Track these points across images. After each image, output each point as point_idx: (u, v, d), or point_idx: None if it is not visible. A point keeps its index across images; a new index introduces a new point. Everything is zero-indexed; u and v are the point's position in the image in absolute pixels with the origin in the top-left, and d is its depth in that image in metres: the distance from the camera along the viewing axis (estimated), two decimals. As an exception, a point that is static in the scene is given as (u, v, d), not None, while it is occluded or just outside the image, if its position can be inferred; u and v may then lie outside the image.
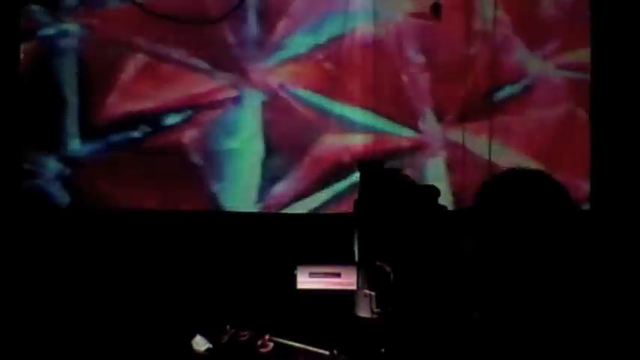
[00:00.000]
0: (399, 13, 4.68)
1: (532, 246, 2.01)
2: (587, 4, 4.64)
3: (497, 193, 2.10)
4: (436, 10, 4.63)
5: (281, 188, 4.71)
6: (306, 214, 4.67)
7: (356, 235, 2.39)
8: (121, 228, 4.58)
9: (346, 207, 4.43)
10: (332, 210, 4.66)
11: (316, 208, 4.68)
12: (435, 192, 2.39)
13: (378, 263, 2.35)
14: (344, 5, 4.67)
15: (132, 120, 4.72)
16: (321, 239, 3.22)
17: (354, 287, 2.41)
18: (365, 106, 4.69)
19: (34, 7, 4.70)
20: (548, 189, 2.08)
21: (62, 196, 4.71)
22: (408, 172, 4.37)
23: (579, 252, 2.06)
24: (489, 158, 4.62)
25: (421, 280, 2.33)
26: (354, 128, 4.70)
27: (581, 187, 4.60)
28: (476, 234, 2.08)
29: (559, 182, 2.10)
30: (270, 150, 4.72)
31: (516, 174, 2.16)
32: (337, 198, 4.66)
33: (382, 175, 2.44)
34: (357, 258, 2.40)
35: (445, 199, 2.40)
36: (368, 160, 2.51)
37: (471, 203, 2.13)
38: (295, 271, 2.45)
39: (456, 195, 4.60)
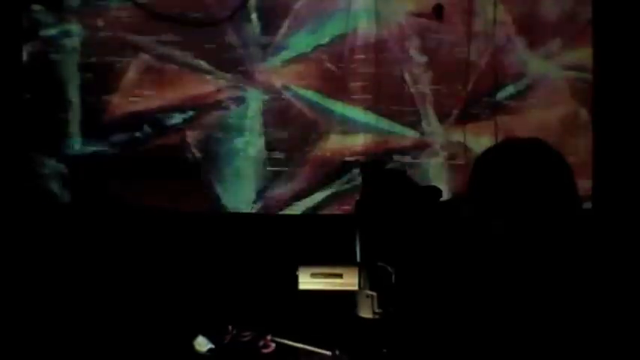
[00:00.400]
0: (400, 13, 4.69)
1: (528, 203, 2.02)
2: (588, 3, 4.64)
3: (496, 156, 2.11)
4: (438, 11, 4.64)
5: (282, 188, 4.71)
6: (308, 214, 4.67)
7: (358, 236, 2.40)
8: (123, 228, 4.58)
9: (348, 207, 4.44)
10: (333, 210, 4.67)
11: (317, 208, 4.69)
12: (436, 192, 2.40)
13: (379, 264, 2.36)
14: (346, 5, 4.68)
15: (134, 120, 4.72)
16: (322, 240, 3.23)
17: (356, 288, 2.41)
18: (366, 106, 4.69)
19: (36, 7, 4.70)
20: (546, 153, 2.09)
21: (64, 196, 4.72)
22: (409, 172, 4.40)
23: (581, 250, 2.06)
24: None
25: (422, 280, 2.33)
26: (356, 128, 4.71)
27: (584, 186, 4.60)
28: (474, 203, 2.09)
29: (556, 150, 2.11)
30: (271, 150, 4.72)
31: (514, 141, 2.17)
32: (338, 198, 4.67)
33: (384, 176, 2.44)
34: (358, 259, 2.40)
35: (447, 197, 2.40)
36: (370, 161, 2.51)
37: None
38: (297, 272, 2.44)
39: (457, 195, 4.60)
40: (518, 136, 2.20)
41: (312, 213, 4.68)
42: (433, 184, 4.55)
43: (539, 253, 2.03)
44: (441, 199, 2.45)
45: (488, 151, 2.17)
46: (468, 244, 2.13)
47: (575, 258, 2.06)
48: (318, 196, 4.69)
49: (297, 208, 4.69)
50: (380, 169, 2.45)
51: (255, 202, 4.71)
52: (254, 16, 4.71)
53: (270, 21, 4.71)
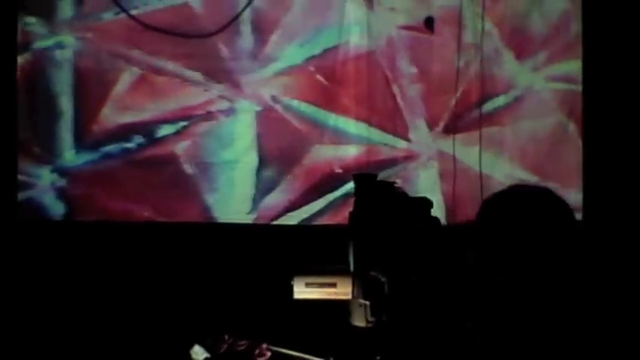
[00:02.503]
0: (391, 26, 4.72)
1: (532, 263, 2.04)
2: (576, 15, 4.68)
3: (502, 208, 2.12)
4: (429, 23, 4.67)
5: (274, 199, 4.72)
6: (303, 225, 4.69)
7: (351, 246, 2.42)
8: (116, 239, 4.59)
9: (340, 218, 4.46)
10: (325, 220, 4.69)
11: (309, 219, 4.71)
12: (427, 204, 2.43)
13: (372, 273, 2.38)
14: (338, 18, 4.70)
15: (126, 131, 4.73)
16: (317, 250, 3.25)
17: (350, 297, 2.43)
18: (358, 118, 4.71)
19: (30, 20, 4.71)
20: (553, 207, 2.10)
21: (56, 207, 4.72)
22: (400, 183, 4.42)
23: (572, 263, 2.08)
24: (480, 169, 4.65)
25: (415, 289, 2.36)
26: (347, 139, 4.73)
27: (573, 197, 4.63)
28: (478, 247, 2.10)
29: (564, 201, 2.12)
30: (263, 161, 4.73)
31: (522, 190, 2.18)
32: (330, 209, 4.69)
33: (376, 188, 2.47)
34: (352, 268, 2.43)
35: (437, 210, 2.44)
36: (362, 173, 2.53)
37: (474, 216, 2.15)
38: (292, 282, 2.47)
39: (448, 205, 4.63)
40: (527, 185, 2.20)
41: (305, 224, 4.69)
42: (423, 194, 4.60)
43: (537, 268, 2.05)
44: (432, 209, 2.48)
45: (497, 198, 2.17)
46: (470, 254, 2.15)
47: (569, 269, 2.09)
48: (311, 208, 4.71)
49: (290, 219, 4.71)
50: (372, 182, 2.48)
51: (247, 213, 4.72)
52: (245, 28, 4.73)
53: (261, 33, 4.73)
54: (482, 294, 2.08)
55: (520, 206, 2.09)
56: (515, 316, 2.04)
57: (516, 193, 2.16)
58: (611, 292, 2.22)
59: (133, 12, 4.68)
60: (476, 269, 2.10)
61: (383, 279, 2.35)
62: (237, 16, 4.69)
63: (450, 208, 4.59)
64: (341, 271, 2.44)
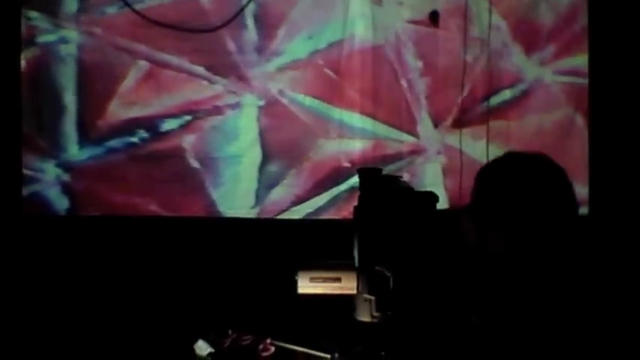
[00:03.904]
0: (397, 20, 4.71)
1: (531, 245, 2.03)
2: (583, 9, 4.66)
3: (497, 172, 2.12)
4: (434, 18, 4.66)
5: (280, 193, 4.72)
6: (307, 219, 4.68)
7: (356, 241, 2.41)
8: (120, 234, 4.58)
9: (345, 212, 4.45)
10: (330, 215, 4.68)
11: (314, 213, 4.70)
12: (433, 198, 2.41)
13: (377, 268, 2.37)
14: (343, 11, 4.69)
15: (131, 125, 4.73)
16: (321, 244, 3.24)
17: (355, 292, 2.42)
18: (363, 112, 4.71)
19: (34, 14, 4.71)
20: (548, 169, 2.10)
21: (61, 202, 4.72)
22: (406, 177, 4.41)
23: (578, 256, 2.07)
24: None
25: (420, 284, 2.35)
26: (353, 134, 4.72)
27: (580, 191, 4.61)
28: (477, 219, 2.10)
29: (559, 165, 2.12)
30: (268, 155, 4.73)
31: (517, 156, 2.18)
32: (335, 203, 4.68)
33: (381, 182, 2.45)
34: (357, 263, 2.41)
35: (443, 204, 2.42)
36: (367, 167, 2.52)
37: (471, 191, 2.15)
38: (296, 276, 2.45)
39: (454, 199, 4.61)
40: (522, 151, 2.19)
41: (310, 218, 4.69)
42: (429, 188, 4.59)
43: (538, 270, 2.04)
44: (437, 204, 2.46)
45: (492, 164, 2.17)
46: (467, 257, 2.14)
47: (574, 262, 2.07)
48: (316, 202, 4.70)
49: (295, 214, 4.70)
50: (377, 176, 2.46)
51: (252, 207, 4.72)
52: (250, 22, 4.72)
53: (267, 27, 4.72)
54: (484, 282, 2.07)
55: (516, 172, 2.08)
56: (517, 301, 2.03)
57: (511, 159, 2.16)
58: (618, 285, 2.20)
59: (138, 6, 4.67)
60: (475, 247, 2.09)
61: (388, 274, 2.34)
62: (241, 9, 4.68)
63: (456, 202, 4.58)
64: (346, 265, 2.42)
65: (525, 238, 2.04)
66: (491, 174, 2.14)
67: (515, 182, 2.07)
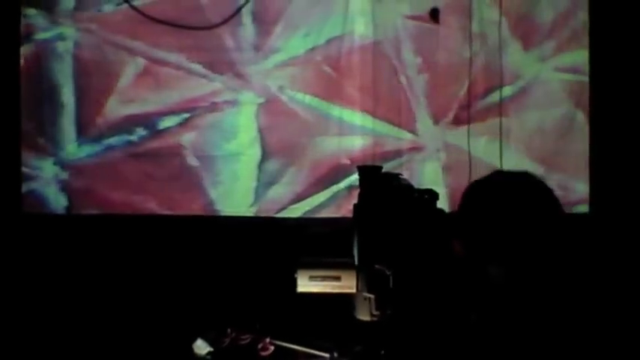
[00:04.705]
0: (396, 16, 4.69)
1: (524, 248, 2.02)
2: (583, 5, 4.65)
3: (485, 195, 2.10)
4: (434, 15, 4.64)
5: (279, 191, 4.71)
6: (307, 218, 4.67)
7: (355, 239, 2.40)
8: (119, 232, 4.57)
9: (345, 210, 4.44)
10: (330, 212, 4.66)
11: (313, 211, 4.69)
12: (433, 196, 2.40)
13: (377, 266, 2.36)
14: (342, 8, 4.68)
15: (129, 123, 4.72)
16: (321, 243, 3.23)
17: (354, 290, 2.41)
18: (363, 109, 4.69)
19: (31, 11, 4.69)
20: (535, 190, 2.08)
21: (59, 199, 4.70)
22: (405, 174, 4.39)
23: (578, 253, 2.06)
24: (500, 159, 4.63)
25: (419, 282, 2.34)
26: (353, 131, 4.70)
27: (580, 188, 4.61)
28: (463, 237, 2.09)
29: (544, 182, 2.10)
30: (267, 153, 4.71)
31: (503, 176, 2.17)
32: (335, 201, 4.67)
33: (381, 180, 2.44)
34: (356, 261, 2.40)
35: (442, 202, 2.41)
36: (367, 165, 2.51)
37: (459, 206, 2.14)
38: (295, 275, 2.44)
39: (454, 196, 4.59)
40: (508, 170, 2.18)
41: (309, 217, 4.68)
42: (429, 185, 4.58)
43: (532, 255, 2.03)
44: (437, 201, 2.45)
45: (479, 187, 2.15)
46: (465, 285, 2.13)
47: (573, 259, 2.06)
48: (316, 199, 4.69)
49: (295, 212, 4.69)
50: (377, 173, 2.45)
51: (251, 205, 4.70)
52: (248, 18, 4.70)
53: (265, 23, 4.71)
54: (479, 286, 2.06)
55: (501, 192, 2.07)
56: (512, 306, 2.02)
57: (496, 179, 2.14)
58: (618, 283, 2.19)
59: (136, 3, 4.66)
60: (466, 261, 2.08)
61: (388, 272, 2.33)
62: (240, 8, 4.66)
63: (456, 199, 4.56)
64: (345, 264, 2.41)
65: (526, 266, 2.02)
66: (478, 196, 2.12)
67: (502, 207, 2.05)
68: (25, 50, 4.69)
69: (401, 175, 2.52)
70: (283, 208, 4.69)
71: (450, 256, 2.20)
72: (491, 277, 2.05)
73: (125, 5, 4.66)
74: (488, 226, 2.04)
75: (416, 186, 2.48)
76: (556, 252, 2.03)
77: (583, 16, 4.65)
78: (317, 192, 4.70)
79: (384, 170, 2.52)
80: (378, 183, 2.43)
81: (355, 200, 2.44)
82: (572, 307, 2.02)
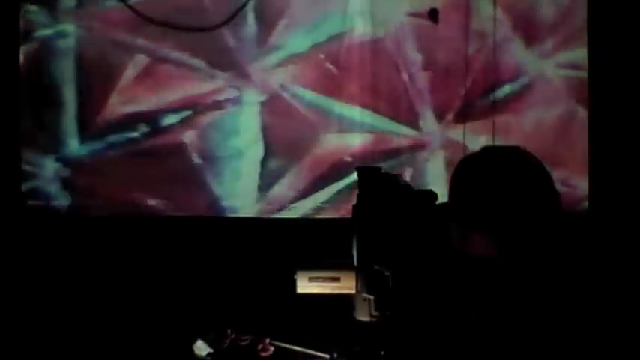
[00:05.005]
0: (397, 13, 4.69)
1: (516, 219, 2.02)
2: (583, 2, 4.64)
3: (476, 168, 2.10)
4: (433, 15, 4.64)
5: (281, 188, 4.71)
6: (306, 219, 4.67)
7: (355, 240, 2.40)
8: (120, 230, 4.57)
9: (346, 209, 4.43)
10: (332, 210, 4.66)
11: (316, 209, 4.69)
12: (432, 197, 2.40)
13: (376, 267, 2.36)
14: (342, 5, 4.67)
15: (130, 121, 4.71)
16: (320, 244, 3.24)
17: (354, 291, 2.41)
18: (364, 106, 4.69)
19: (32, 8, 4.69)
20: (526, 162, 2.08)
21: (61, 197, 4.71)
22: (407, 171, 4.40)
23: (577, 250, 2.06)
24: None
25: (418, 283, 2.34)
26: (354, 128, 4.70)
27: (581, 185, 4.60)
28: (456, 218, 2.09)
29: (534, 156, 2.10)
30: (269, 150, 4.71)
31: (493, 150, 2.17)
32: (337, 198, 4.67)
33: (380, 180, 2.44)
34: (356, 262, 2.41)
35: (444, 199, 2.41)
36: (366, 166, 2.51)
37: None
38: (295, 276, 2.45)
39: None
40: (498, 145, 2.19)
41: (311, 215, 4.68)
42: (431, 182, 4.58)
43: (527, 267, 2.03)
44: (437, 201, 2.45)
45: (467, 161, 2.15)
46: (457, 266, 2.13)
47: (573, 256, 2.06)
48: (316, 196, 4.69)
49: (297, 210, 4.69)
50: (376, 174, 2.45)
51: (255, 203, 4.70)
52: (250, 16, 4.70)
53: (266, 21, 4.70)
54: (477, 283, 2.06)
55: (493, 168, 2.07)
56: (513, 299, 2.02)
57: (487, 155, 2.15)
58: (617, 281, 2.19)
59: (137, 1, 4.65)
60: (457, 246, 2.09)
61: (387, 273, 2.33)
62: (242, 6, 4.66)
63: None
64: (345, 265, 2.41)
65: (511, 236, 2.02)
66: (468, 171, 2.13)
67: (492, 178, 2.06)
68: (26, 48, 4.68)
69: (400, 175, 2.52)
70: (286, 206, 4.69)
71: (448, 254, 2.20)
72: (476, 249, 2.05)
73: (125, 4, 4.65)
74: (479, 198, 2.04)
75: (418, 183, 2.49)
76: (547, 225, 2.03)
77: (583, 13, 4.64)
78: (320, 189, 4.70)
79: (383, 170, 2.52)
80: (377, 184, 2.43)
81: (355, 199, 2.44)
82: (570, 305, 2.02)
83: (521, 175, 2.06)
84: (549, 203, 2.06)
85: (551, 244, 2.03)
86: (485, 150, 2.18)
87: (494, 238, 2.03)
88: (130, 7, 4.63)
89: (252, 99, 4.72)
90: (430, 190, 2.40)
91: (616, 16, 4.52)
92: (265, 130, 4.71)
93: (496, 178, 2.05)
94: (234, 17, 4.65)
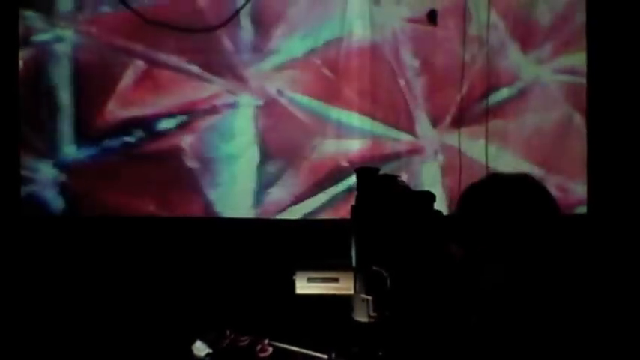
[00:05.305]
0: (394, 18, 4.70)
1: (523, 247, 2.03)
2: (581, 7, 4.65)
3: (484, 196, 2.11)
4: (432, 17, 4.65)
5: (278, 193, 4.71)
6: (305, 219, 4.67)
7: (353, 241, 2.40)
8: (118, 234, 4.57)
9: (343, 212, 4.44)
10: (329, 214, 4.67)
11: (312, 213, 4.69)
12: (430, 198, 2.40)
13: (375, 268, 2.36)
14: (340, 10, 4.68)
15: (127, 125, 4.72)
16: (319, 245, 3.24)
17: (352, 292, 2.42)
18: (361, 111, 4.70)
19: (30, 13, 4.69)
20: (533, 191, 2.09)
21: (58, 202, 4.71)
22: (404, 176, 4.39)
23: (575, 255, 2.06)
24: (486, 162, 4.63)
25: (417, 284, 2.34)
26: (351, 133, 4.71)
27: (578, 190, 4.61)
28: (461, 240, 2.09)
29: (541, 184, 2.11)
30: (266, 155, 4.72)
31: (501, 178, 2.18)
32: (334, 203, 4.67)
33: (379, 182, 2.45)
34: (354, 263, 2.41)
35: (441, 204, 2.41)
36: (365, 167, 2.51)
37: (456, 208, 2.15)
38: (293, 276, 2.45)
39: (452, 199, 4.60)
40: (504, 173, 2.20)
41: (308, 219, 4.68)
42: (427, 187, 4.58)
43: (529, 257, 2.04)
44: (435, 203, 2.46)
45: (476, 189, 2.16)
46: (462, 287, 2.14)
47: (571, 261, 2.07)
48: (314, 202, 4.69)
49: (294, 214, 4.69)
50: (375, 176, 2.46)
51: (251, 207, 4.71)
52: (247, 20, 4.71)
53: (263, 25, 4.71)
54: (477, 287, 2.07)
55: (500, 194, 2.08)
56: (510, 307, 2.02)
57: (494, 181, 2.15)
58: (616, 284, 2.20)
59: (135, 5, 4.66)
60: (463, 264, 2.09)
61: (385, 274, 2.33)
62: (239, 10, 4.66)
63: (454, 202, 4.56)
64: (343, 265, 2.41)
65: (515, 265, 2.03)
66: (475, 199, 2.13)
67: (499, 208, 2.07)
68: (23, 52, 4.70)
69: (399, 177, 2.53)
70: (282, 211, 4.70)
71: (447, 258, 2.20)
72: (490, 276, 2.06)
73: (124, 7, 4.66)
74: (487, 227, 2.05)
75: (414, 187, 2.49)
76: (554, 250, 2.04)
77: (580, 17, 4.66)
78: (316, 194, 4.71)
79: (382, 172, 2.52)
80: (376, 185, 2.43)
81: (353, 202, 2.44)
82: (570, 308, 2.03)
83: (527, 206, 2.07)
84: (555, 231, 2.07)
85: (552, 252, 2.04)
86: (492, 178, 2.19)
87: (502, 267, 2.04)
88: (131, 9, 4.63)
89: (249, 104, 4.72)
90: (429, 192, 2.40)
91: (613, 21, 4.53)
92: (262, 135, 4.72)
93: (503, 209, 2.06)
94: (231, 19, 4.66)
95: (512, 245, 2.03)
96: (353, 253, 2.40)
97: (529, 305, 2.02)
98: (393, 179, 2.49)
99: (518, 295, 2.03)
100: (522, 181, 2.13)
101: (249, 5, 4.67)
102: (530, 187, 2.11)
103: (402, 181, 2.51)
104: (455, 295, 2.23)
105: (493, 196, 2.09)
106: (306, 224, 4.63)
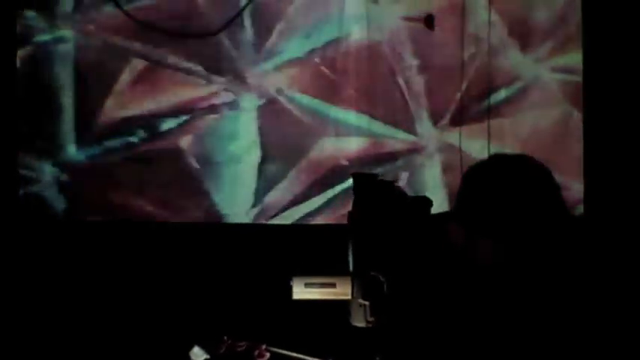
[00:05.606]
0: (393, 18, 4.69)
1: (523, 229, 2.03)
2: (578, 6, 4.65)
3: (485, 175, 2.12)
4: (429, 21, 4.64)
5: (278, 193, 4.71)
6: (302, 225, 4.67)
7: (350, 246, 2.41)
8: (117, 235, 4.58)
9: (343, 212, 4.43)
10: (329, 214, 4.67)
11: (314, 213, 4.69)
12: (427, 203, 2.41)
13: (372, 273, 2.37)
14: (338, 10, 4.68)
15: (128, 125, 4.72)
16: (316, 250, 3.25)
17: (349, 297, 2.43)
18: (361, 110, 4.69)
19: (29, 13, 4.70)
20: (534, 171, 2.10)
21: (58, 202, 4.71)
22: (405, 175, 4.40)
23: (572, 257, 2.07)
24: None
25: (414, 289, 2.35)
26: (350, 132, 4.71)
27: (576, 188, 4.61)
28: (465, 218, 2.10)
29: (542, 164, 2.12)
30: (266, 154, 4.72)
31: (502, 158, 2.18)
32: (334, 202, 4.67)
33: (375, 187, 2.46)
34: (351, 268, 2.42)
35: (441, 202, 2.42)
36: (361, 172, 2.52)
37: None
38: (291, 282, 2.46)
39: (453, 197, 4.60)
40: (506, 153, 2.20)
41: (307, 220, 4.68)
42: (427, 186, 4.59)
43: (530, 273, 2.04)
44: (433, 206, 2.46)
45: (477, 167, 2.17)
46: (455, 262, 2.14)
47: (569, 260, 2.07)
48: (314, 202, 4.69)
49: (293, 214, 4.70)
50: (371, 181, 2.47)
51: (251, 207, 4.71)
52: (247, 20, 4.71)
53: (263, 26, 4.71)
54: (474, 286, 2.08)
55: (502, 175, 2.09)
56: (512, 304, 2.03)
57: (496, 162, 2.16)
58: (614, 284, 2.20)
59: (134, 5, 4.66)
60: (463, 252, 2.10)
61: (382, 279, 2.34)
62: (239, 13, 4.66)
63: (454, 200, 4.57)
64: (340, 271, 2.42)
65: (516, 243, 2.04)
66: (477, 177, 2.14)
67: (502, 186, 2.07)
68: (23, 52, 4.69)
69: (395, 182, 2.53)
70: (283, 211, 4.70)
71: (447, 249, 2.21)
72: (480, 254, 2.06)
73: (125, 6, 4.66)
74: (488, 206, 2.05)
75: (415, 187, 2.50)
76: (555, 230, 2.05)
77: (578, 17, 4.65)
78: (317, 193, 4.70)
79: (382, 173, 2.53)
80: (373, 191, 2.44)
81: (350, 208, 2.45)
82: (570, 287, 2.03)
83: (530, 184, 2.07)
84: (557, 211, 2.07)
85: (554, 249, 2.05)
86: (494, 158, 2.20)
87: (503, 246, 2.04)
88: (127, 13, 4.64)
89: (249, 104, 4.72)
90: (425, 197, 2.41)
91: (610, 20, 4.52)
92: (262, 135, 4.72)
93: (505, 187, 2.07)
94: (231, 23, 4.66)
95: (513, 224, 2.03)
96: (350, 259, 2.41)
97: (529, 284, 2.03)
98: (389, 185, 2.50)
99: (519, 274, 2.03)
100: (524, 160, 2.13)
101: (249, 6, 4.67)
102: (532, 166, 2.11)
103: (399, 187, 2.53)
104: (451, 298, 2.24)
105: (495, 176, 2.10)
106: (303, 229, 4.62)
